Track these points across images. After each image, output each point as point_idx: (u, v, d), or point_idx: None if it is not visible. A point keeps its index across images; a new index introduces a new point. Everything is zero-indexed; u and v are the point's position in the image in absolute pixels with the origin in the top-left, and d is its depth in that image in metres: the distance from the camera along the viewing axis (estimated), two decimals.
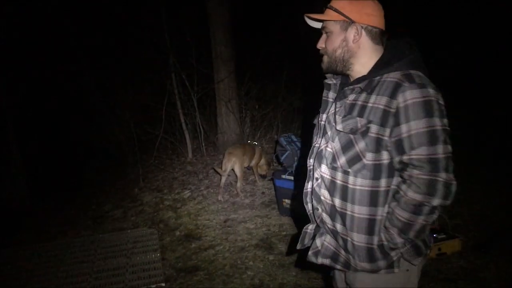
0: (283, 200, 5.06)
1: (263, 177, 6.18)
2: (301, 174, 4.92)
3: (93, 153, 7.26)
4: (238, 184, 5.82)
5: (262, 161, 6.23)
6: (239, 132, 7.16)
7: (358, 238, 1.73)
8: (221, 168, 5.83)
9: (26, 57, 6.09)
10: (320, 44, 1.83)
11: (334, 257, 1.84)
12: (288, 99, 7.73)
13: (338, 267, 1.84)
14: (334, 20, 1.75)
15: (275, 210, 5.24)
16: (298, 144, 5.23)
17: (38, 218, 5.75)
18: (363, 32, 1.74)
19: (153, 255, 4.43)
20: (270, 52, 7.63)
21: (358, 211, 1.70)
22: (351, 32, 1.74)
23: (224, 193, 5.84)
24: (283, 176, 5.06)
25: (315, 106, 2.02)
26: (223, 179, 5.86)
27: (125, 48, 6.64)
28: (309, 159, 1.93)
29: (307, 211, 1.98)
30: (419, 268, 1.81)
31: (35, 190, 6.39)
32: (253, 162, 6.10)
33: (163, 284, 3.86)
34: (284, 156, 5.22)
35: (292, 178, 4.98)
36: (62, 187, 6.67)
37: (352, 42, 1.74)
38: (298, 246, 2.07)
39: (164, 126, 7.21)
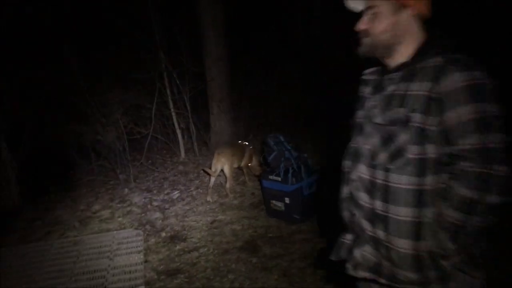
0: (271, 201, 4.98)
1: (257, 177, 6.10)
2: (290, 175, 4.85)
3: (84, 153, 7.19)
4: (228, 185, 5.75)
5: (254, 161, 6.15)
6: (231, 132, 7.09)
7: (403, 245, 1.51)
8: (210, 168, 5.76)
9: (12, 55, 6.04)
10: (363, 26, 1.64)
11: (377, 269, 1.62)
12: (280, 99, 7.65)
13: (382, 281, 1.61)
14: (386, 1, 1.58)
15: (263, 212, 5.16)
16: (286, 144, 5.15)
17: (26, 219, 5.70)
18: (414, 18, 1.58)
19: (136, 257, 4.37)
20: (263, 51, 7.55)
21: (402, 213, 1.50)
22: (403, 17, 1.58)
23: (213, 193, 5.77)
24: (270, 177, 4.98)
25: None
26: (213, 179, 5.79)
27: (115, 45, 6.57)
28: (345, 160, 1.77)
29: (344, 218, 1.78)
30: (483, 285, 1.53)
31: (25, 190, 6.34)
32: (243, 163, 6.03)
33: (142, 287, 3.79)
34: (271, 156, 5.12)
35: (279, 179, 4.90)
36: (52, 188, 6.61)
37: (402, 27, 1.58)
38: (333, 257, 1.85)
39: (156, 126, 7.16)
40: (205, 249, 4.43)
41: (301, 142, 5.79)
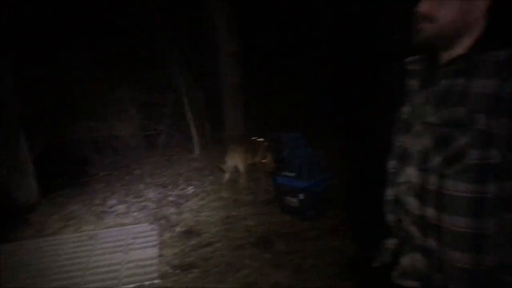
0: (285, 197, 4.97)
1: (269, 174, 6.08)
2: (304, 171, 4.83)
3: (100, 149, 7.28)
4: (241, 181, 5.75)
5: (268, 158, 6.13)
6: (245, 128, 7.08)
7: (459, 258, 1.35)
8: (224, 164, 5.77)
9: (26, 51, 6.13)
10: (427, 8, 1.39)
11: (426, 279, 1.47)
12: (295, 95, 7.62)
13: None
14: None
15: (277, 208, 5.15)
16: (301, 141, 5.12)
17: (43, 213, 5.79)
18: (486, 7, 1.37)
19: (151, 252, 4.40)
20: (277, 47, 7.52)
21: (459, 223, 1.33)
22: (478, 5, 1.36)
23: (227, 189, 5.78)
24: (284, 173, 4.97)
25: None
26: (227, 175, 5.80)
27: (132, 42, 6.62)
28: (390, 160, 1.61)
29: (389, 222, 1.64)
30: None
31: (41, 185, 6.43)
32: (257, 159, 6.02)
33: (157, 281, 3.82)
34: (286, 152, 5.11)
35: (293, 175, 4.88)
36: (68, 183, 6.70)
37: (473, 15, 1.36)
38: (376, 263, 1.70)
39: (170, 122, 7.20)
40: (219, 244, 4.44)
41: (316, 139, 5.75)
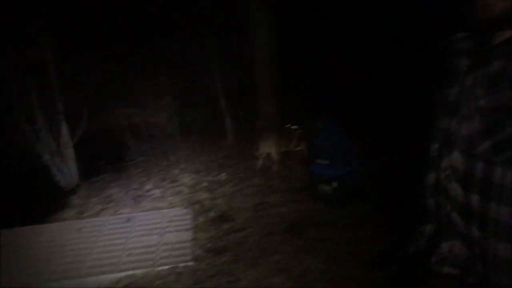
0: (318, 185, 4.95)
1: (302, 161, 6.07)
2: (338, 159, 4.80)
3: (138, 135, 7.46)
4: (274, 168, 5.77)
5: (302, 145, 6.13)
6: (279, 115, 7.06)
7: (503, 249, 1.29)
8: (258, 151, 5.80)
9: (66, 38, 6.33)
10: None
11: (467, 268, 1.44)
12: (330, 81, 7.52)
13: (471, 280, 1.43)
14: None
15: (310, 195, 5.14)
16: (335, 128, 5.08)
17: (83, 196, 6.02)
18: None
19: (185, 235, 4.50)
20: (312, 33, 7.43)
21: (505, 214, 1.27)
22: None
23: (260, 176, 5.81)
24: (318, 161, 4.95)
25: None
26: (260, 162, 5.83)
27: (168, 30, 6.72)
28: (433, 143, 1.55)
29: (428, 207, 1.59)
30: None
31: (82, 169, 6.68)
32: (291, 146, 6.01)
33: (191, 264, 3.91)
34: (320, 140, 5.08)
35: (327, 162, 4.86)
36: (107, 168, 6.92)
37: None
38: (410, 250, 1.66)
39: (205, 110, 7.29)
40: (252, 229, 4.49)
41: (350, 126, 5.67)
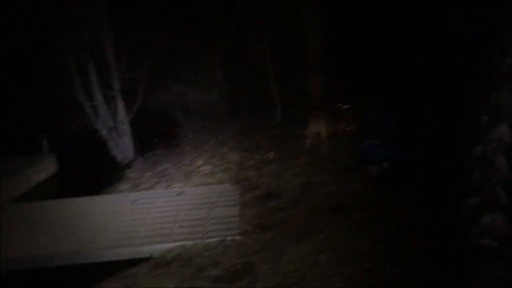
0: (367, 165, 4.88)
1: (352, 141, 5.99)
2: (389, 139, 4.70)
3: (190, 113, 7.67)
4: (324, 148, 5.74)
5: (352, 125, 6.04)
6: (330, 95, 6.96)
7: None
8: (307, 131, 5.78)
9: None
10: None
11: (506, 241, 1.48)
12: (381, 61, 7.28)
13: (509, 255, 1.46)
14: None
15: (359, 176, 5.07)
16: (386, 109, 4.96)
17: (138, 170, 6.32)
18: None
19: (233, 210, 4.62)
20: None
21: None
22: None
23: (308, 156, 5.80)
24: (368, 141, 4.87)
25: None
26: (309, 141, 5.82)
27: (221, 12, 6.78)
28: (482, 115, 1.59)
29: (472, 180, 1.64)
30: None
31: (137, 145, 7.01)
32: (341, 126, 5.94)
33: (238, 238, 4.02)
34: (371, 120, 4.99)
35: (377, 142, 4.77)
36: (161, 144, 7.21)
37: None
38: (453, 222, 1.75)
39: (254, 88, 7.33)
40: (298, 208, 4.52)
41: (400, 107, 5.50)
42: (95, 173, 6.65)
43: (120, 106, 7.25)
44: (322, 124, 5.85)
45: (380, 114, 4.90)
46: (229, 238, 4.02)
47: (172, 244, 4.01)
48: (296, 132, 6.67)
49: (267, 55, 7.17)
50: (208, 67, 6.90)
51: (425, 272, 3.05)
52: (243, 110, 7.50)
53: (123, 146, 7.27)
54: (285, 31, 7.02)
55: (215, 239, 4.01)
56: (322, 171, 5.34)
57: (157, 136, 7.34)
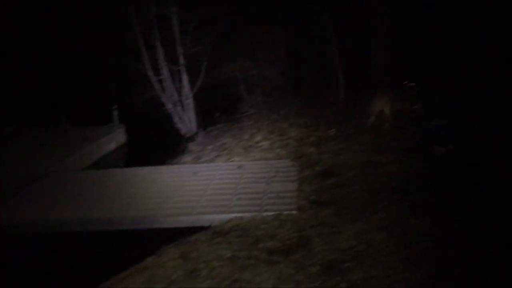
0: (432, 146, 4.70)
1: (417, 120, 5.76)
2: (456, 120, 4.48)
3: (251, 89, 7.75)
4: (387, 126, 5.58)
5: (418, 103, 5.79)
6: (396, 71, 6.70)
7: None
8: (370, 108, 5.65)
9: None
10: None
11: None
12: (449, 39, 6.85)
13: None
14: None
15: (422, 156, 4.89)
16: (454, 88, 4.70)
17: (200, 143, 6.53)
18: None
19: (291, 185, 4.67)
20: None
21: None
22: None
23: (370, 134, 5.68)
24: (434, 121, 4.69)
25: None
26: (371, 119, 5.69)
27: None
28: None
29: None
30: None
31: (200, 119, 7.23)
32: (407, 104, 5.72)
33: (294, 212, 4.08)
34: (438, 99, 4.78)
35: (443, 122, 4.57)
36: (222, 118, 7.39)
37: None
38: None
39: (316, 63, 7.23)
40: (357, 186, 4.48)
41: (469, 87, 5.19)
42: (160, 144, 6.98)
43: (185, 80, 7.49)
44: (386, 101, 5.67)
45: (447, 94, 4.66)
46: (285, 212, 4.09)
47: (231, 215, 4.15)
48: (358, 109, 6.53)
49: (331, 30, 7.00)
50: (271, 42, 6.87)
51: (487, 258, 2.94)
52: (305, 85, 7.43)
53: (186, 119, 7.55)
54: (349, 4, 6.79)
55: (272, 213, 4.09)
56: (384, 150, 5.22)
57: (219, 111, 7.51)
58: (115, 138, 7.36)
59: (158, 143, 7.04)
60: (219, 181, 4.99)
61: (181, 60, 7.42)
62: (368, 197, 4.20)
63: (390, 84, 6.06)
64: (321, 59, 7.42)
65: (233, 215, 4.15)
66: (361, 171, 4.81)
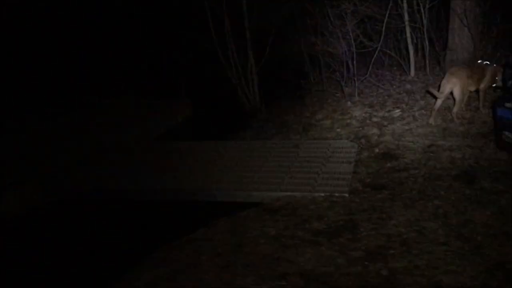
0: (504, 132, 4.32)
1: (490, 103, 5.32)
2: None
3: (316, 64, 7.60)
4: (455, 109, 5.21)
5: (494, 85, 5.33)
6: (472, 50, 6.20)
7: None
8: (438, 89, 5.29)
9: None
10: None
11: None
12: None
13: None
14: None
15: (492, 143, 4.55)
16: None
17: (260, 120, 6.59)
18: None
19: (347, 167, 4.59)
20: None
21: None
22: None
23: (437, 116, 5.35)
24: (507, 105, 4.28)
25: None
26: (439, 101, 5.34)
27: None
28: None
29: None
30: None
31: (263, 95, 7.27)
32: (482, 86, 5.29)
33: (346, 195, 4.01)
34: None
35: None
36: (285, 95, 7.36)
37: None
38: None
39: (386, 40, 6.88)
40: (416, 171, 4.29)
41: None
42: (224, 119, 7.15)
43: (251, 56, 7.53)
44: (458, 82, 5.27)
45: None
46: (337, 194, 4.04)
47: (281, 193, 4.19)
48: (427, 89, 6.14)
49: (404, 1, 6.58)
50: (338, 16, 6.61)
51: None
52: (373, 62, 7.11)
53: (250, 95, 7.62)
54: None
55: (323, 194, 4.07)
56: (450, 135, 4.91)
57: (283, 87, 7.48)
58: (181, 111, 7.65)
59: (222, 118, 7.22)
60: (274, 159, 5.02)
61: (248, 34, 7.44)
62: (427, 183, 4.01)
63: (464, 62, 5.61)
64: (394, 34, 7.05)
65: (284, 193, 4.19)
66: (423, 156, 4.59)
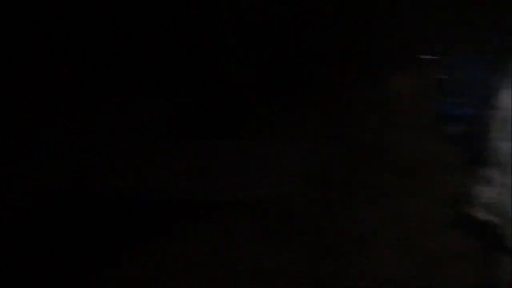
0: (446, 125, 4.47)
1: (431, 97, 5.47)
2: (474, 98, 4.20)
3: None
4: (397, 102, 5.32)
5: (433, 79, 5.49)
6: (410, 43, 6.33)
7: None
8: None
9: None
10: None
11: None
12: None
13: None
14: None
15: (435, 135, 4.65)
16: (474, 64, 4.41)
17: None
18: None
19: None
20: None
21: None
22: None
23: (382, 111, 5.41)
24: (449, 98, 4.45)
25: None
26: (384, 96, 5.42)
27: None
28: None
29: None
30: None
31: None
32: (421, 80, 5.45)
33: None
34: (454, 75, 4.52)
35: (459, 100, 4.33)
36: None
37: None
38: None
39: None
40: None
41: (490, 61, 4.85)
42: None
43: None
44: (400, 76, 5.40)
45: (466, 68, 4.38)
46: None
47: None
48: None
49: None
50: None
51: None
52: None
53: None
54: None
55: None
56: (391, 127, 4.97)
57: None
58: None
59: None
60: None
61: None
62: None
63: (403, 56, 5.71)
64: None
65: None
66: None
